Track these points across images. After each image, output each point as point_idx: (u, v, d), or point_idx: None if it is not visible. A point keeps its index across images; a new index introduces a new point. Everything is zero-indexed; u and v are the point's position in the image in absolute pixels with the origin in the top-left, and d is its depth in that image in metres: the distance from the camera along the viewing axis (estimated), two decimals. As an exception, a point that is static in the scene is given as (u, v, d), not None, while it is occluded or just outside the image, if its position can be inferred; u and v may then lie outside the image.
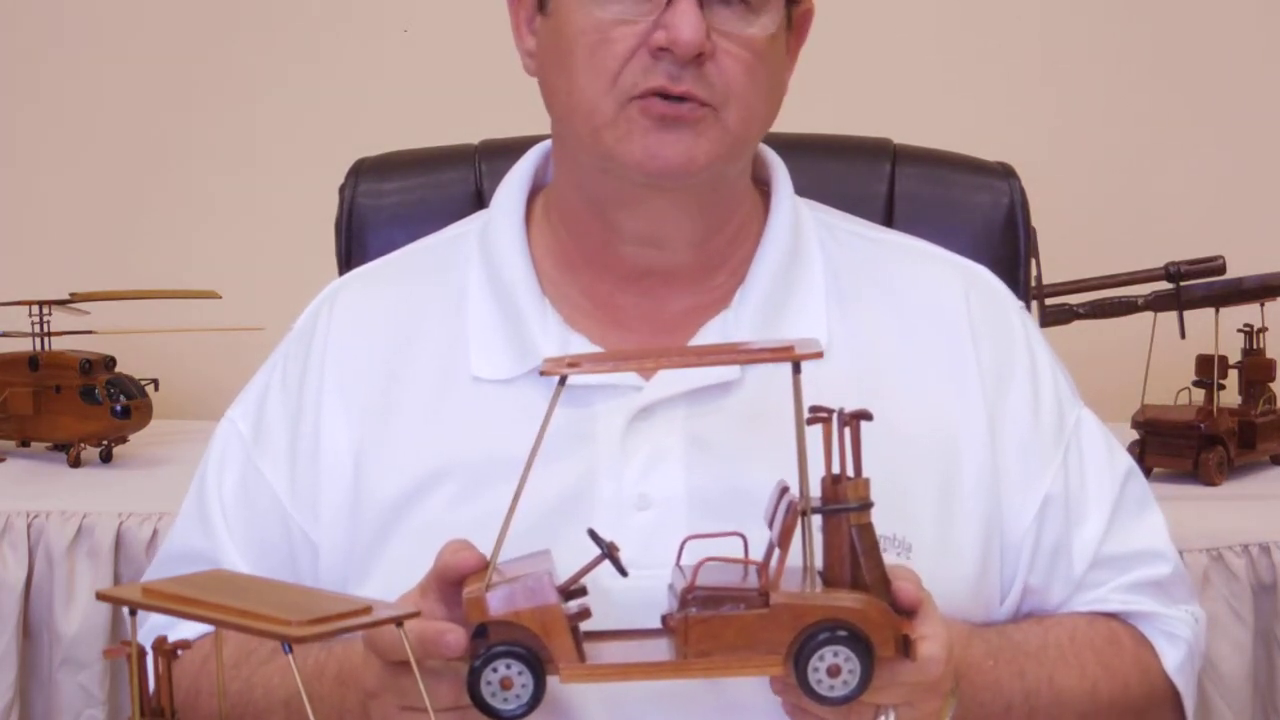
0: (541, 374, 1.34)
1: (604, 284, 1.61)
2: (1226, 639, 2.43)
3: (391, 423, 1.59)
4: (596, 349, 1.57)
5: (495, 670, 1.29)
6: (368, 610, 1.17)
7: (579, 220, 1.61)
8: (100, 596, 1.26)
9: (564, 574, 1.34)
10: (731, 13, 1.50)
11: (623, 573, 1.34)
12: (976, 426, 1.60)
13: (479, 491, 1.45)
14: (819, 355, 1.31)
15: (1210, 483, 2.64)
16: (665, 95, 1.48)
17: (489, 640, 1.30)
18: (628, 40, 1.49)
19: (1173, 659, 1.63)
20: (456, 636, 1.31)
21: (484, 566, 1.32)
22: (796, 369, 1.30)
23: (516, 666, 1.29)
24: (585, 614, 1.32)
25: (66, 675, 2.50)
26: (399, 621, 1.20)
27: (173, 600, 1.20)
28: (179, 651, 1.24)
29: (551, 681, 1.31)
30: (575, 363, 1.33)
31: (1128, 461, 1.68)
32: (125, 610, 1.23)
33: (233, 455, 1.65)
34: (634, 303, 1.60)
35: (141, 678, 1.22)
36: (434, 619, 1.33)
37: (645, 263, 1.59)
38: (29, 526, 2.51)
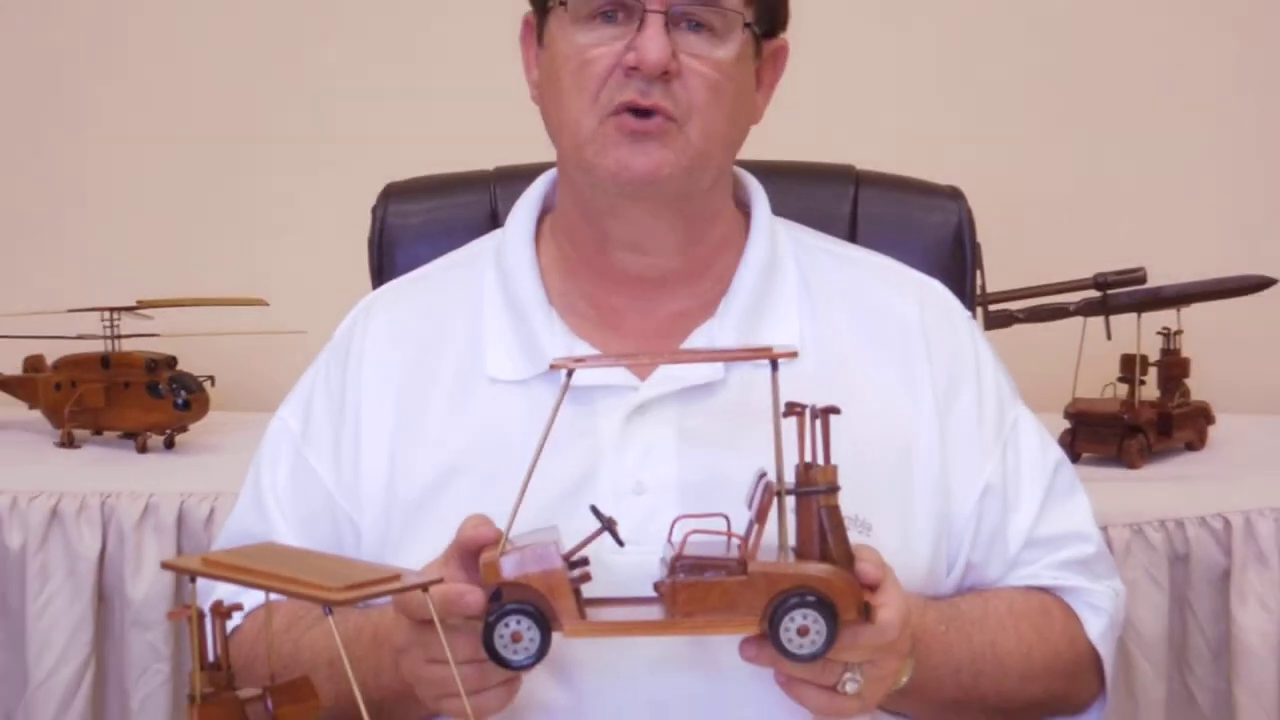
0: (551, 368, 1.36)
1: (602, 290, 1.61)
2: (1146, 604, 2.43)
3: (420, 419, 1.59)
4: (597, 351, 1.57)
5: (507, 626, 1.30)
6: (397, 577, 1.18)
7: (579, 232, 1.62)
8: (165, 566, 1.27)
9: (569, 547, 1.35)
10: (698, 38, 1.52)
11: (620, 543, 1.35)
12: (928, 422, 1.60)
13: (497, 480, 1.45)
14: (794, 355, 1.34)
15: (1132, 466, 2.64)
16: (636, 109, 1.50)
17: (502, 600, 1.31)
18: (605, 61, 1.51)
19: (1095, 628, 1.63)
20: (475, 597, 1.32)
21: (499, 539, 1.33)
22: (774, 367, 1.31)
23: (526, 622, 1.30)
24: (586, 578, 1.33)
25: (136, 635, 2.50)
26: (424, 587, 1.21)
27: (228, 569, 1.21)
28: (233, 613, 1.24)
29: (568, 645, 1.33)
30: (581, 360, 1.35)
31: (1058, 454, 1.68)
32: (187, 578, 1.24)
33: (284, 449, 1.66)
34: (629, 306, 1.61)
35: (200, 636, 1.22)
36: (455, 584, 1.33)
37: (636, 269, 1.60)
38: (102, 505, 2.51)
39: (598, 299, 1.62)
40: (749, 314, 1.60)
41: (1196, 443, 2.76)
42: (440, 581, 1.25)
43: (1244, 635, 2.43)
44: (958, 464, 1.60)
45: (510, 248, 1.65)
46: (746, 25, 1.54)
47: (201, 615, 1.23)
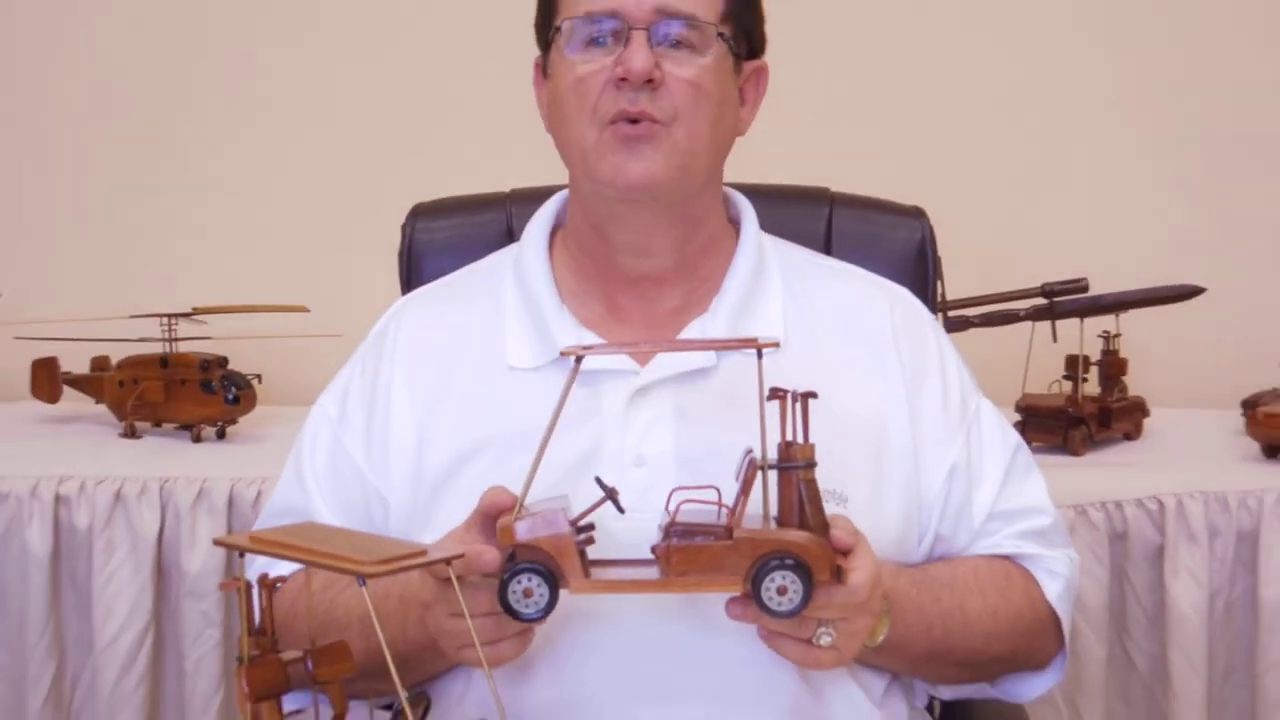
0: (561, 354, 1.36)
1: (609, 290, 1.62)
2: (1088, 576, 2.43)
3: (445, 405, 1.59)
4: (604, 342, 1.57)
5: (520, 583, 1.30)
6: (423, 553, 1.20)
7: (587, 241, 1.62)
8: (217, 542, 1.26)
9: (577, 513, 1.35)
10: (679, 52, 1.53)
11: (621, 510, 1.34)
12: (898, 409, 1.59)
13: (513, 456, 1.45)
14: (776, 345, 1.33)
15: (1076, 454, 2.64)
16: (629, 118, 1.51)
17: (516, 560, 1.31)
18: (598, 78, 1.52)
19: (1053, 590, 1.62)
20: (492, 556, 1.33)
21: (515, 505, 1.33)
22: (759, 355, 1.31)
23: (536, 580, 1.30)
24: (590, 541, 1.34)
25: (190, 604, 2.50)
26: (447, 561, 1.21)
27: (273, 546, 1.20)
28: (278, 585, 1.24)
29: (576, 601, 1.33)
30: (589, 347, 1.36)
31: (1017, 438, 1.68)
32: (237, 553, 1.24)
33: (323, 432, 1.66)
34: (632, 304, 1.61)
35: (248, 605, 1.22)
36: (475, 546, 1.34)
37: (638, 269, 1.60)
38: (161, 489, 2.51)
39: (604, 298, 1.62)
40: (737, 311, 1.60)
41: (1133, 433, 2.75)
42: (461, 557, 1.26)
43: (1176, 605, 2.44)
44: (926, 446, 1.60)
45: (527, 254, 1.65)
46: (720, 35, 1.55)
47: (249, 586, 1.22)
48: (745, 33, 1.59)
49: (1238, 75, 3.00)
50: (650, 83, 1.51)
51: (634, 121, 1.51)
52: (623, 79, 1.50)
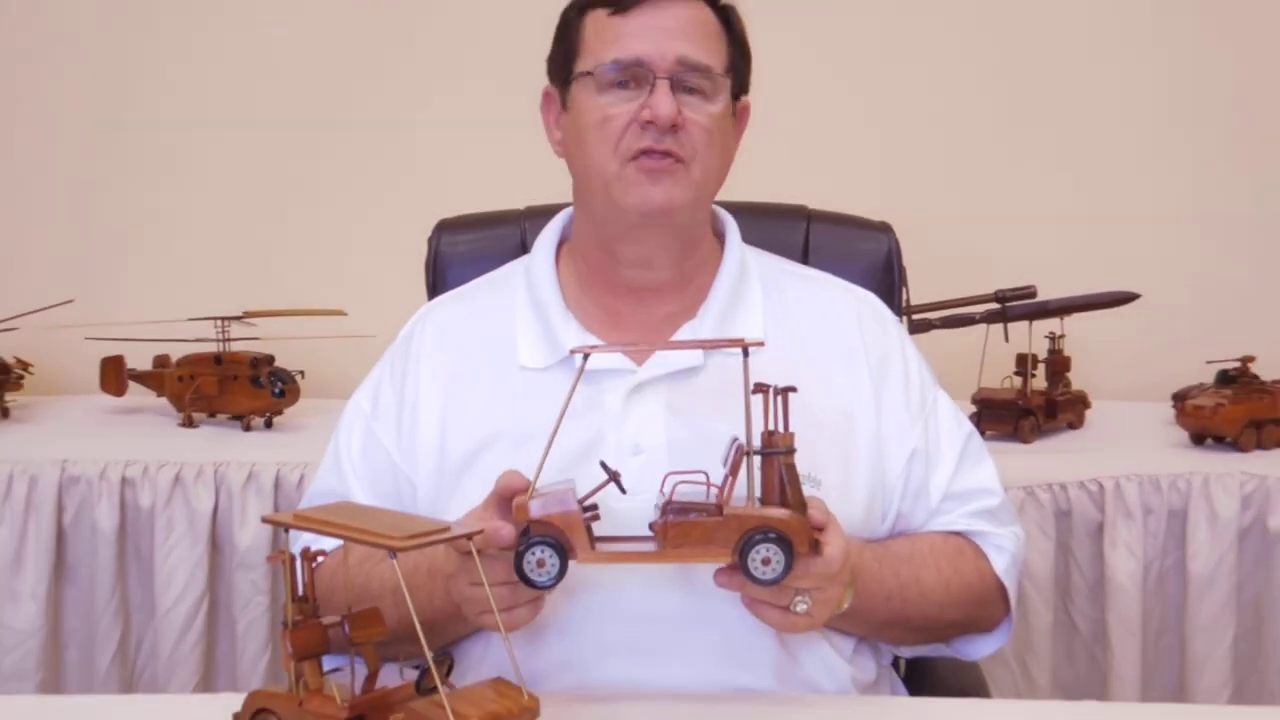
0: (570, 353, 1.36)
1: (610, 297, 1.61)
2: (1035, 549, 2.44)
3: (464, 399, 1.59)
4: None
5: (534, 554, 1.31)
6: (447, 529, 1.20)
7: (592, 254, 1.62)
8: (264, 520, 1.27)
9: (582, 494, 1.35)
10: (695, 99, 1.54)
11: (623, 491, 1.35)
12: (865, 402, 1.59)
13: (525, 445, 1.45)
14: (761, 344, 1.33)
15: (1025, 441, 2.65)
16: (654, 153, 1.51)
17: (530, 534, 1.31)
18: (623, 118, 1.52)
19: (1000, 564, 1.62)
20: (508, 532, 1.33)
21: (528, 488, 1.34)
22: (745, 354, 1.31)
23: (548, 551, 1.31)
24: (595, 518, 1.34)
25: (241, 575, 2.51)
26: (469, 537, 1.22)
27: (314, 523, 1.21)
28: (319, 558, 1.24)
29: (581, 573, 1.34)
30: (594, 347, 1.36)
31: (970, 427, 1.68)
32: (282, 529, 1.24)
33: (358, 424, 1.66)
34: (631, 310, 1.61)
35: (292, 575, 1.23)
36: (493, 522, 1.34)
37: (639, 280, 1.60)
38: (215, 473, 2.52)
39: (606, 304, 1.62)
40: (723, 315, 1.60)
41: (1076, 423, 2.76)
42: (480, 533, 1.26)
43: (1115, 575, 2.45)
44: (889, 433, 1.60)
45: (536, 266, 1.65)
46: (727, 83, 1.56)
47: (293, 559, 1.23)
48: (739, 77, 1.60)
49: (1165, 99, 3.01)
50: (673, 126, 1.51)
51: (660, 154, 1.52)
52: (649, 121, 1.51)
